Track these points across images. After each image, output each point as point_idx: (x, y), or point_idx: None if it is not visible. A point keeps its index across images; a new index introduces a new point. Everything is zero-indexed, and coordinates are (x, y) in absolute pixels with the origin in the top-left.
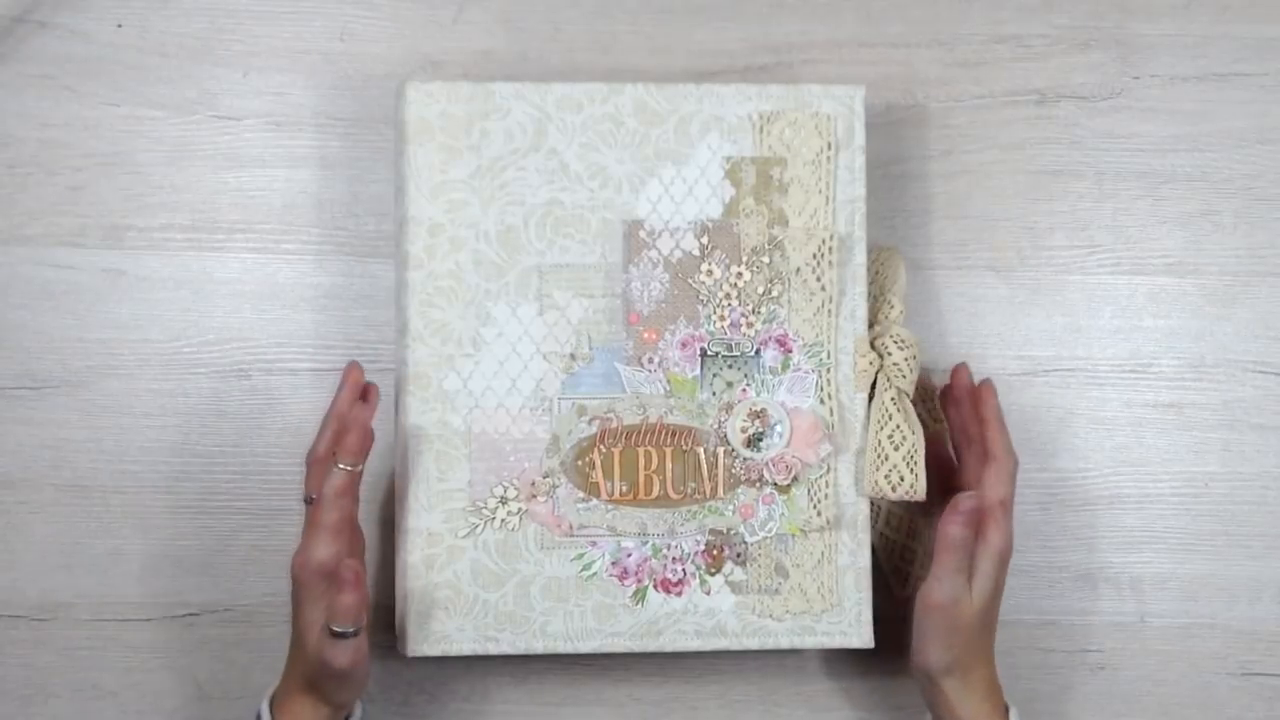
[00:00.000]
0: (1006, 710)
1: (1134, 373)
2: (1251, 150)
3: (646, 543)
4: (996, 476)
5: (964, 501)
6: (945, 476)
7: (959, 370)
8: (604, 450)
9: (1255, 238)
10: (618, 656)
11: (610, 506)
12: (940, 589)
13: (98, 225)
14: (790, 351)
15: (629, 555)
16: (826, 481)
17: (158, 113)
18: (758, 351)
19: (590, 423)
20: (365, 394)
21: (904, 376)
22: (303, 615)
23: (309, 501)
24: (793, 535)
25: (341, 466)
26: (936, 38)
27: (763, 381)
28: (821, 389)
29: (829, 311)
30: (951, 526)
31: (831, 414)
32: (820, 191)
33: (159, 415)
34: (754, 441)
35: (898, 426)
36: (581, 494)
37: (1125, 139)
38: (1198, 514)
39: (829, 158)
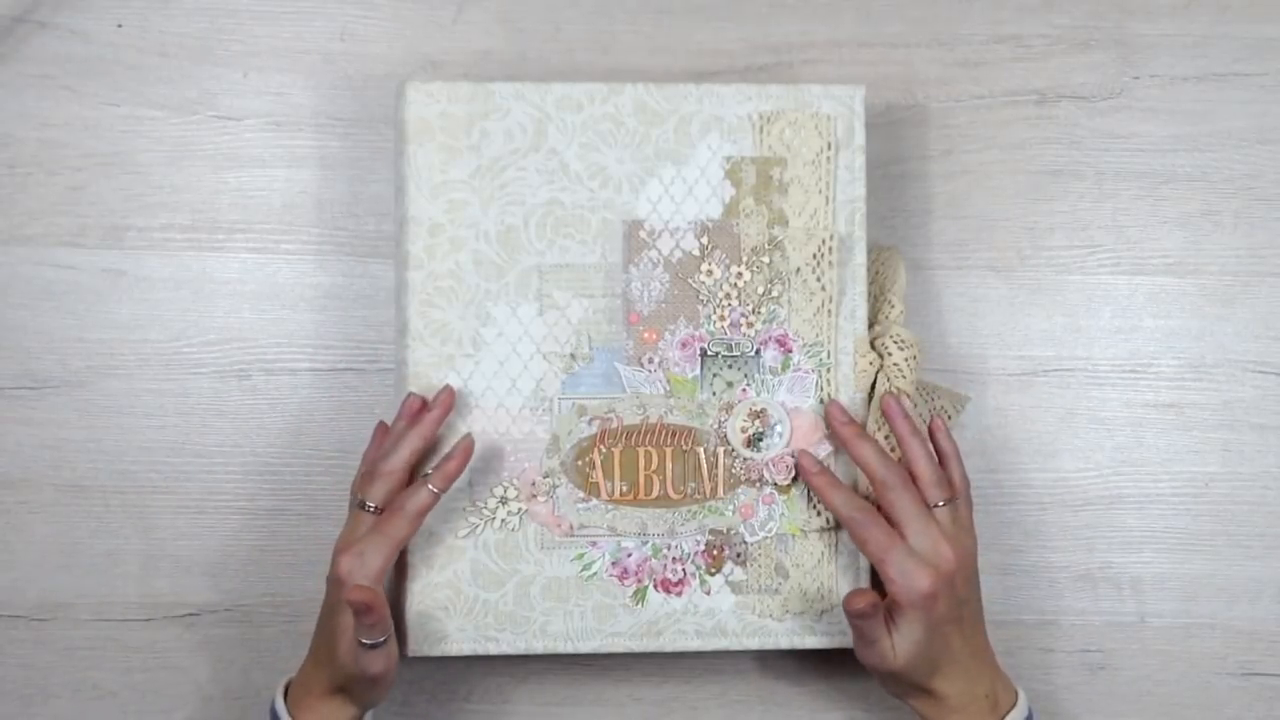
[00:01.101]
0: (1011, 707)
1: (1134, 373)
2: (1251, 150)
3: (646, 543)
4: (869, 536)
5: (853, 603)
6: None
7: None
8: (604, 450)
9: (1255, 238)
10: (618, 656)
11: (610, 506)
12: (863, 654)
13: (98, 225)
14: (790, 351)
15: (629, 555)
16: None
17: (158, 113)
18: (758, 351)
19: (590, 423)
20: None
21: (904, 376)
22: (338, 619)
23: (368, 508)
24: (793, 535)
25: (433, 489)
26: (936, 38)
27: (763, 381)
28: (821, 389)
29: (829, 311)
30: (852, 621)
31: None
32: (820, 191)
33: (159, 415)
34: (754, 441)
35: None
36: (581, 494)
37: (1125, 139)
38: (1198, 514)
39: (829, 158)
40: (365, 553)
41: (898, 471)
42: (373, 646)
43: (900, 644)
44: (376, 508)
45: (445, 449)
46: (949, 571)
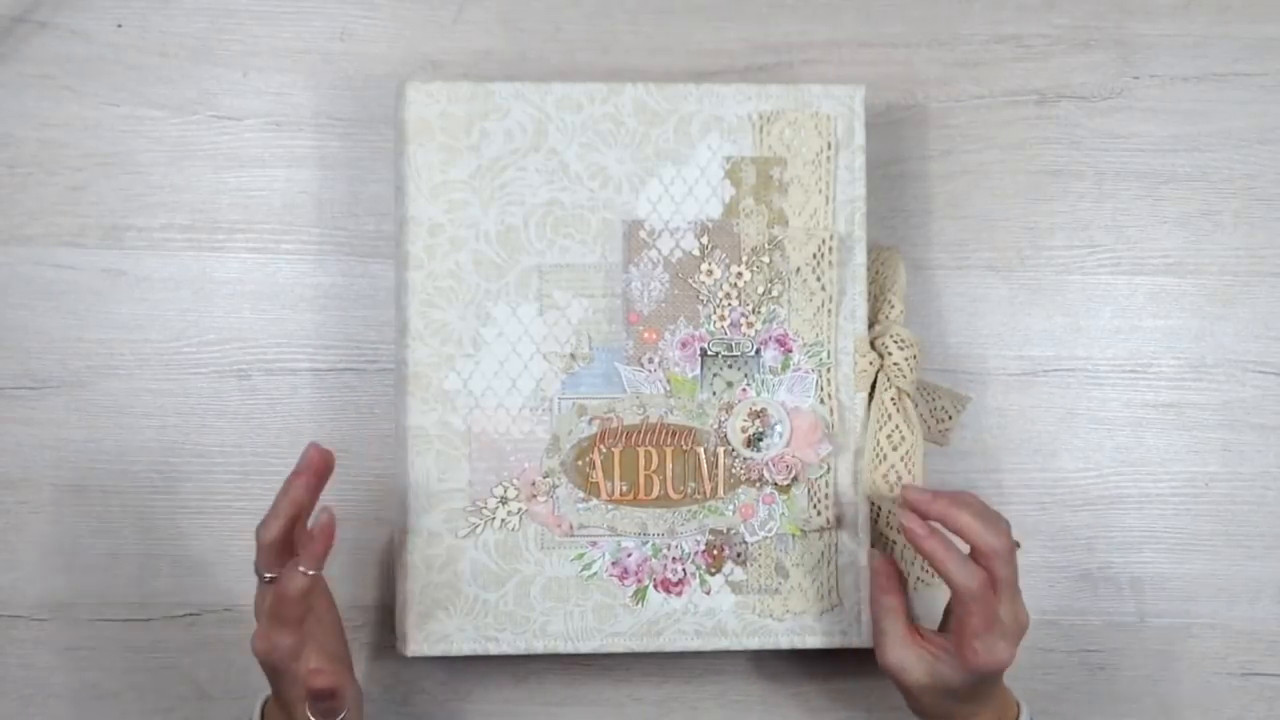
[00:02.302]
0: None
1: (1134, 373)
2: (1251, 150)
3: (646, 543)
4: (980, 610)
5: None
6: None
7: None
8: (604, 450)
9: (1255, 238)
10: (618, 656)
11: (610, 506)
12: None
13: (98, 225)
14: (790, 351)
15: (629, 555)
16: (826, 481)
17: (158, 113)
18: (758, 351)
19: (590, 423)
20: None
21: (904, 376)
22: (284, 691)
23: (265, 579)
24: (793, 535)
25: (304, 570)
26: (936, 38)
27: (763, 381)
28: (821, 389)
29: (829, 311)
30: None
31: (831, 414)
32: (820, 191)
33: (159, 415)
34: (754, 441)
35: (896, 427)
36: (581, 494)
37: (1125, 139)
38: (1198, 514)
39: (829, 158)
40: (271, 636)
41: (1005, 540)
42: (327, 714)
43: (956, 680)
44: (270, 577)
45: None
46: (1021, 639)
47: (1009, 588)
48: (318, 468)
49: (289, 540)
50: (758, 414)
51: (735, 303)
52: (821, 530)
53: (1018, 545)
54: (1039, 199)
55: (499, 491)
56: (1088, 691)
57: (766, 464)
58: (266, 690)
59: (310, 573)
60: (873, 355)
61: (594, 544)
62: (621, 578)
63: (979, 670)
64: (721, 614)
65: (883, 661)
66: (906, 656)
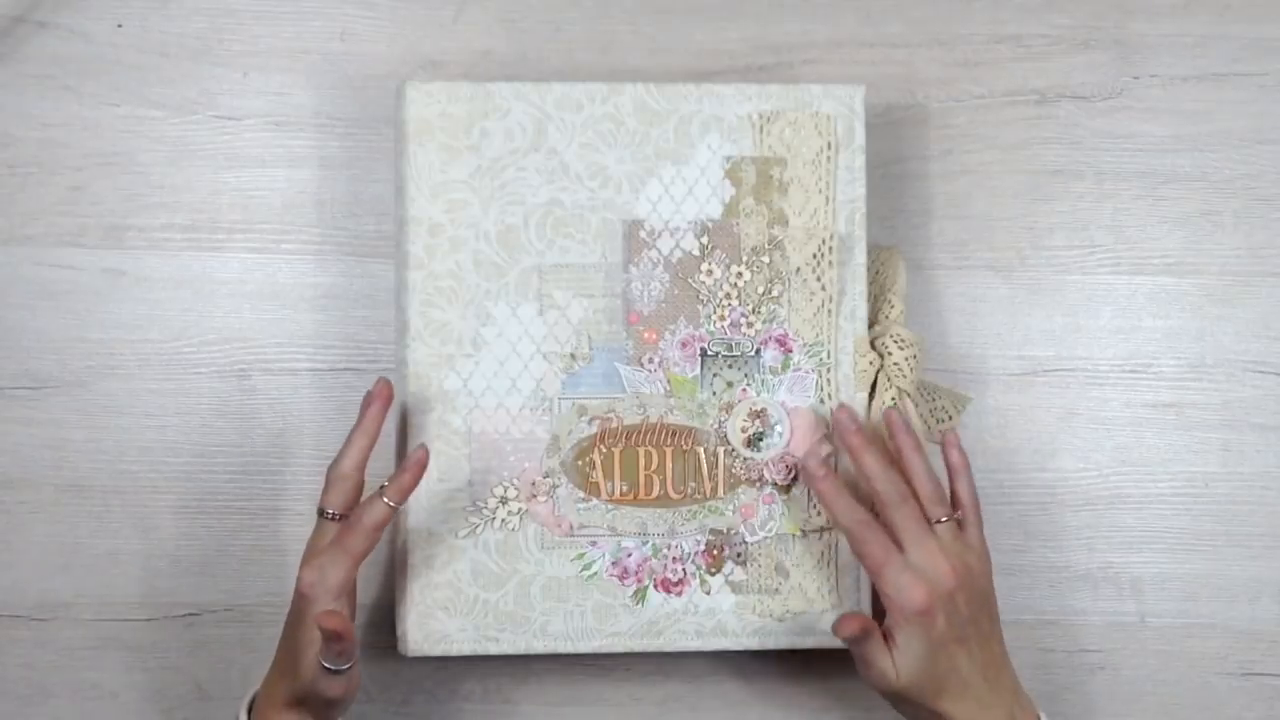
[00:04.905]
0: None
1: (1134, 373)
2: (1251, 150)
3: (647, 543)
4: (867, 550)
5: (843, 628)
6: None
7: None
8: (604, 450)
9: (1255, 238)
10: (618, 656)
11: (610, 506)
12: (866, 676)
13: (98, 225)
14: (790, 351)
15: (629, 555)
16: None
17: (158, 113)
18: (758, 351)
19: (590, 423)
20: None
21: (904, 376)
22: (303, 632)
23: (327, 516)
24: (793, 535)
25: (388, 502)
26: (936, 38)
27: (763, 381)
28: (821, 389)
29: (829, 311)
30: (844, 640)
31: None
32: (820, 191)
33: (159, 415)
34: (754, 441)
35: None
36: (581, 494)
37: (1125, 139)
38: (1198, 514)
39: (829, 158)
40: (325, 567)
41: (899, 486)
42: (335, 672)
43: (901, 661)
44: (336, 514)
45: (412, 449)
46: (947, 589)
47: (911, 534)
48: (384, 396)
49: (361, 478)
50: (758, 414)
51: (735, 303)
52: (821, 530)
53: (954, 511)
54: (1039, 199)
55: (499, 491)
56: (1088, 691)
57: (766, 464)
58: (250, 690)
59: (391, 504)
60: (873, 355)
61: (594, 544)
62: (621, 578)
63: (898, 612)
64: (721, 614)
65: (868, 682)
66: (880, 667)
